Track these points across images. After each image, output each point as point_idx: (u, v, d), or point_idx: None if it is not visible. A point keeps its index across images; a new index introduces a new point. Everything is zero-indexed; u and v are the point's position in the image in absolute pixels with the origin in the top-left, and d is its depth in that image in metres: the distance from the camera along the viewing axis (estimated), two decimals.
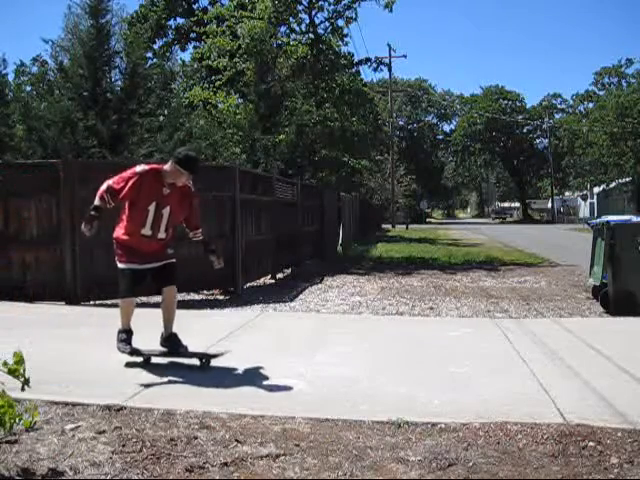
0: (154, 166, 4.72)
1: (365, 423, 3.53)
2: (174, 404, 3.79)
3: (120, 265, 4.64)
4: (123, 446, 3.15)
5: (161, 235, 4.68)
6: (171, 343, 4.78)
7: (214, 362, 4.74)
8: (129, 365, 4.68)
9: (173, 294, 4.81)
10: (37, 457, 2.99)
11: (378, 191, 42.58)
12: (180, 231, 5.04)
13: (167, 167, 4.64)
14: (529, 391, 4.12)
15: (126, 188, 4.53)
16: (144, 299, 8.46)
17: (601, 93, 59.93)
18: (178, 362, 4.78)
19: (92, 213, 4.57)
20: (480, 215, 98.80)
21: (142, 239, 4.62)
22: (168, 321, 4.80)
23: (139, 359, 4.74)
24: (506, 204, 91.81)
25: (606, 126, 47.18)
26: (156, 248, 4.69)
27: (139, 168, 4.62)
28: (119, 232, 4.68)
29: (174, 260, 4.81)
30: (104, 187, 4.60)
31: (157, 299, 8.41)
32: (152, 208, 4.59)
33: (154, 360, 4.77)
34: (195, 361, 4.74)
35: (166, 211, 4.65)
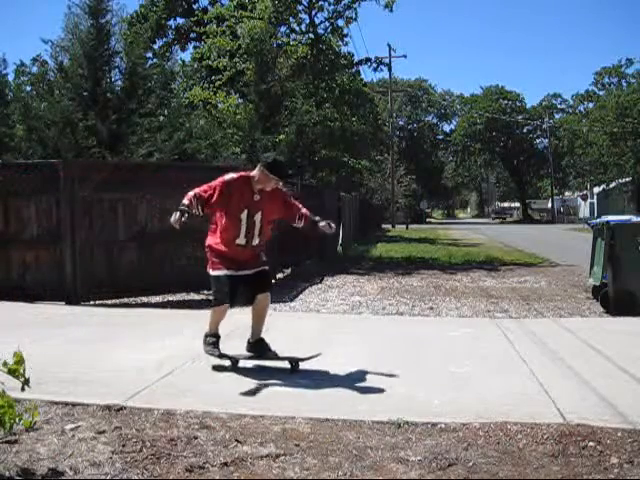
0: (242, 174, 4.68)
1: (365, 423, 3.53)
2: (174, 404, 3.79)
3: (215, 272, 4.61)
4: (123, 446, 3.15)
5: (255, 242, 4.65)
6: (258, 348, 4.78)
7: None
8: (216, 369, 4.67)
9: (267, 301, 4.78)
10: (37, 457, 3.00)
11: (378, 191, 42.63)
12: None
13: (255, 173, 4.59)
14: (529, 391, 4.12)
15: (214, 196, 4.51)
16: (144, 299, 8.47)
17: (601, 93, 59.87)
18: (179, 362, 4.78)
19: (183, 208, 4.47)
20: (480, 215, 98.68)
21: (237, 249, 4.59)
22: (257, 326, 4.79)
23: (227, 362, 4.73)
24: (506, 204, 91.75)
25: (606, 126, 47.15)
26: (251, 255, 4.66)
27: (227, 177, 4.59)
28: (213, 241, 4.65)
29: (267, 267, 4.78)
30: (191, 193, 4.55)
31: (157, 299, 8.45)
32: (244, 216, 4.56)
33: (153, 362, 4.76)
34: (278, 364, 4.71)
35: (258, 217, 4.61)
